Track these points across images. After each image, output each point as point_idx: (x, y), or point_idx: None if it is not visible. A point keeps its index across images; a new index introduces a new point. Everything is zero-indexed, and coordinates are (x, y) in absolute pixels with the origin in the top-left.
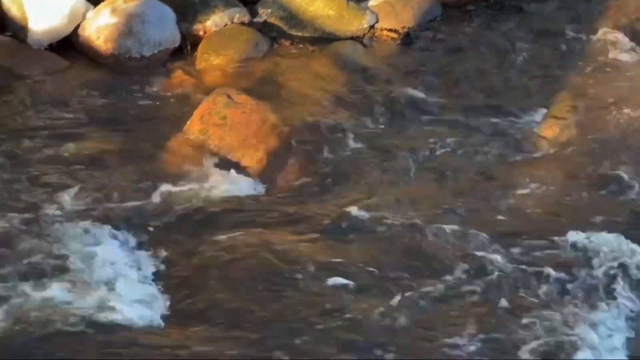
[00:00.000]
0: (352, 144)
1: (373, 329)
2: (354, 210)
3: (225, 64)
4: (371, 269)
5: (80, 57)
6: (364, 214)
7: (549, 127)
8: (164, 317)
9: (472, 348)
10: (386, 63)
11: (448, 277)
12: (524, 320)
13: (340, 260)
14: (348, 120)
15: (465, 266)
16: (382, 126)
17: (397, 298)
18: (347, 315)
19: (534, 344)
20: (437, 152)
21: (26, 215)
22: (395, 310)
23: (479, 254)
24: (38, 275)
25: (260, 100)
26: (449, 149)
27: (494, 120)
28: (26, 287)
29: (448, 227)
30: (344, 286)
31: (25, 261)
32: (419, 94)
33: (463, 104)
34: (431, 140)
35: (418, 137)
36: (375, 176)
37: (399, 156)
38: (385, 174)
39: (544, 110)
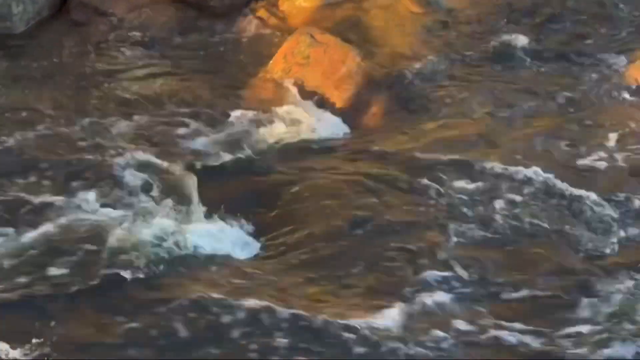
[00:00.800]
0: (438, 84)
1: (459, 265)
2: (439, 149)
3: (309, 4)
4: (458, 205)
5: None
6: (448, 153)
7: (637, 69)
8: (250, 251)
9: None
10: (472, 4)
11: (532, 210)
12: None
13: (425, 197)
14: (433, 61)
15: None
16: (468, 67)
17: (483, 229)
18: (435, 248)
19: None
20: (524, 94)
21: (111, 149)
22: (481, 242)
23: (559, 191)
24: (131, 208)
25: (344, 40)
26: (536, 91)
27: (582, 62)
28: (125, 220)
29: (531, 167)
30: (433, 222)
31: (116, 194)
32: (506, 35)
33: (551, 46)
34: (518, 81)
35: (505, 79)
36: (461, 116)
37: (484, 96)
38: (472, 114)
39: (633, 52)
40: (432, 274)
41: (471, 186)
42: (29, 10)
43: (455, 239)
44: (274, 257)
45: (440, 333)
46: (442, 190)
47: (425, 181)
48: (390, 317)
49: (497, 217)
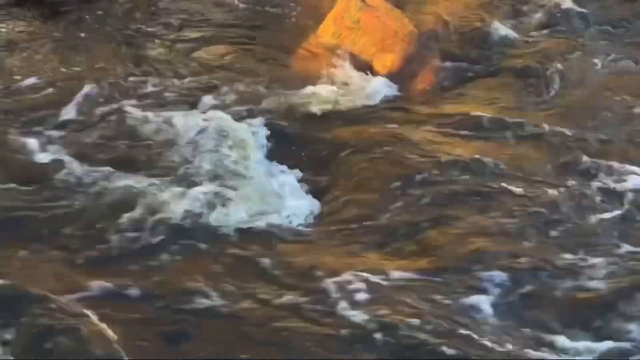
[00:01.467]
0: (491, 50)
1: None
2: (494, 112)
3: None
4: (506, 168)
5: None
6: (501, 118)
7: None
8: (303, 216)
9: None
10: None
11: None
12: None
13: (475, 158)
14: (487, 26)
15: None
16: (525, 33)
17: (532, 193)
18: (493, 211)
19: None
20: (590, 62)
21: (167, 111)
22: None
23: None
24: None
25: (394, 4)
26: (596, 56)
27: None
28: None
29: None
30: (480, 182)
31: (172, 158)
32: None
33: (614, 12)
34: (576, 47)
35: (563, 45)
36: (515, 80)
37: (539, 61)
38: (526, 78)
39: None
40: (490, 237)
41: (525, 150)
42: None
43: (516, 202)
44: (329, 223)
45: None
46: (498, 154)
47: (481, 144)
48: (449, 282)
49: (560, 186)
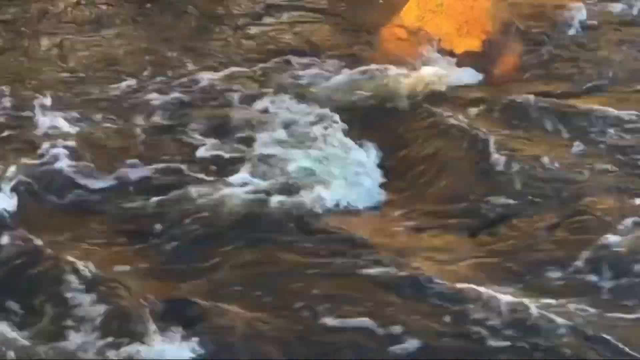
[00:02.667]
0: (577, 33)
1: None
2: (578, 97)
3: None
4: (605, 157)
5: None
6: (584, 110)
7: None
8: (376, 201)
9: None
10: None
11: None
12: None
13: (554, 150)
14: (572, 9)
15: None
16: (612, 18)
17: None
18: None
19: None
20: None
21: (253, 97)
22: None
23: None
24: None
25: None
26: None
27: None
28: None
29: None
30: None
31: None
32: None
33: None
34: None
35: None
36: (600, 70)
37: (630, 47)
38: (611, 67)
39: None
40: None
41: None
42: None
43: (604, 192)
44: (399, 209)
45: None
46: (584, 141)
47: (564, 132)
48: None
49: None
